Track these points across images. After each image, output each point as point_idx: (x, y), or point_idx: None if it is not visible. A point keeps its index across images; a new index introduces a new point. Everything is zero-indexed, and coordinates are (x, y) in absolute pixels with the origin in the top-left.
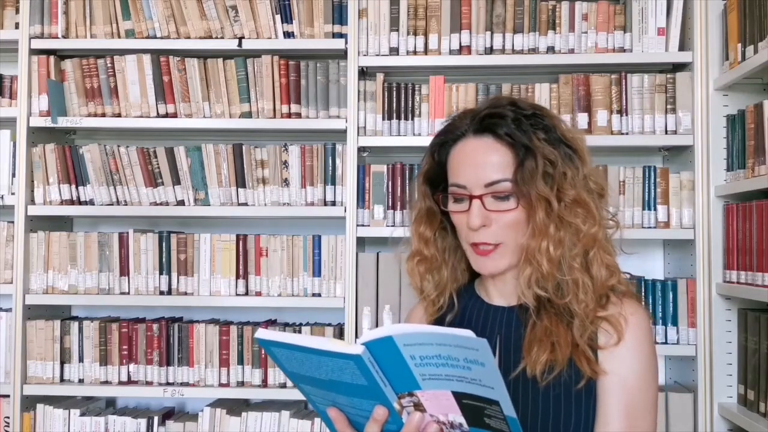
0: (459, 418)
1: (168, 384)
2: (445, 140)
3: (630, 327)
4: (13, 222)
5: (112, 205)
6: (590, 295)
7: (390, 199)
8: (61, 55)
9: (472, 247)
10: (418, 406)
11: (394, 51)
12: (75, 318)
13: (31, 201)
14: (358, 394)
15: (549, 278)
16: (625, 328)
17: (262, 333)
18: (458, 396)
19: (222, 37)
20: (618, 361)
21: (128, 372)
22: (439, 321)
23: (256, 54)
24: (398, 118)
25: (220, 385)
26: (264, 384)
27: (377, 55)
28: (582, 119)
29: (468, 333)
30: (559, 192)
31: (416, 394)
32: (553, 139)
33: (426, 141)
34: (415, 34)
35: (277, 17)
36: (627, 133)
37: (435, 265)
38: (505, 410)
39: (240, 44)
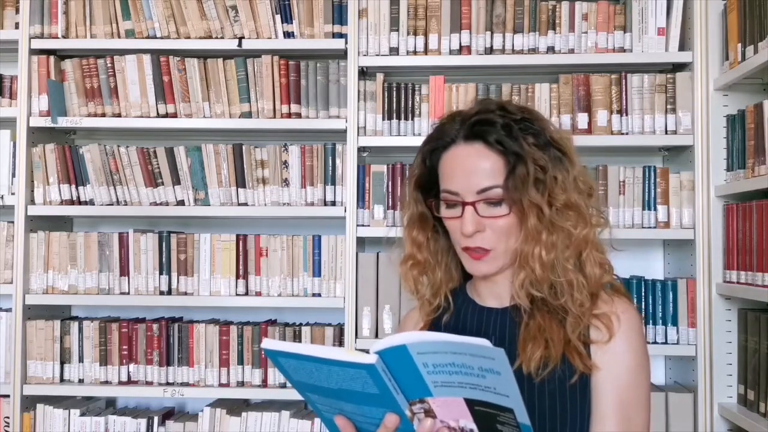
0: (471, 424)
1: (168, 384)
2: (436, 146)
3: (622, 325)
4: (13, 222)
5: (112, 205)
6: (585, 293)
7: (390, 199)
8: (61, 55)
9: (465, 251)
10: (429, 413)
11: (394, 51)
12: (75, 318)
13: (31, 201)
14: (368, 402)
15: (543, 281)
16: (616, 326)
17: (269, 343)
18: (470, 403)
19: (222, 37)
20: (611, 358)
21: (128, 372)
22: (435, 322)
23: (256, 54)
24: (398, 118)
25: (220, 385)
26: (264, 384)
27: (377, 55)
28: (582, 119)
29: (484, 342)
30: (550, 197)
31: (427, 400)
32: (542, 144)
33: None
34: (415, 34)
35: (277, 17)
36: (627, 133)
37: (428, 268)
38: (519, 417)
39: (240, 44)
